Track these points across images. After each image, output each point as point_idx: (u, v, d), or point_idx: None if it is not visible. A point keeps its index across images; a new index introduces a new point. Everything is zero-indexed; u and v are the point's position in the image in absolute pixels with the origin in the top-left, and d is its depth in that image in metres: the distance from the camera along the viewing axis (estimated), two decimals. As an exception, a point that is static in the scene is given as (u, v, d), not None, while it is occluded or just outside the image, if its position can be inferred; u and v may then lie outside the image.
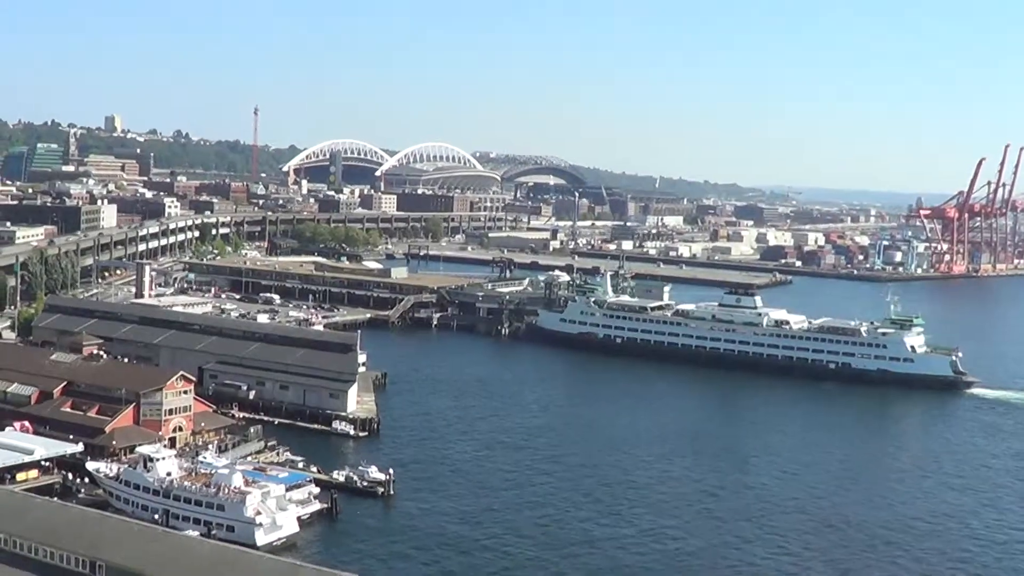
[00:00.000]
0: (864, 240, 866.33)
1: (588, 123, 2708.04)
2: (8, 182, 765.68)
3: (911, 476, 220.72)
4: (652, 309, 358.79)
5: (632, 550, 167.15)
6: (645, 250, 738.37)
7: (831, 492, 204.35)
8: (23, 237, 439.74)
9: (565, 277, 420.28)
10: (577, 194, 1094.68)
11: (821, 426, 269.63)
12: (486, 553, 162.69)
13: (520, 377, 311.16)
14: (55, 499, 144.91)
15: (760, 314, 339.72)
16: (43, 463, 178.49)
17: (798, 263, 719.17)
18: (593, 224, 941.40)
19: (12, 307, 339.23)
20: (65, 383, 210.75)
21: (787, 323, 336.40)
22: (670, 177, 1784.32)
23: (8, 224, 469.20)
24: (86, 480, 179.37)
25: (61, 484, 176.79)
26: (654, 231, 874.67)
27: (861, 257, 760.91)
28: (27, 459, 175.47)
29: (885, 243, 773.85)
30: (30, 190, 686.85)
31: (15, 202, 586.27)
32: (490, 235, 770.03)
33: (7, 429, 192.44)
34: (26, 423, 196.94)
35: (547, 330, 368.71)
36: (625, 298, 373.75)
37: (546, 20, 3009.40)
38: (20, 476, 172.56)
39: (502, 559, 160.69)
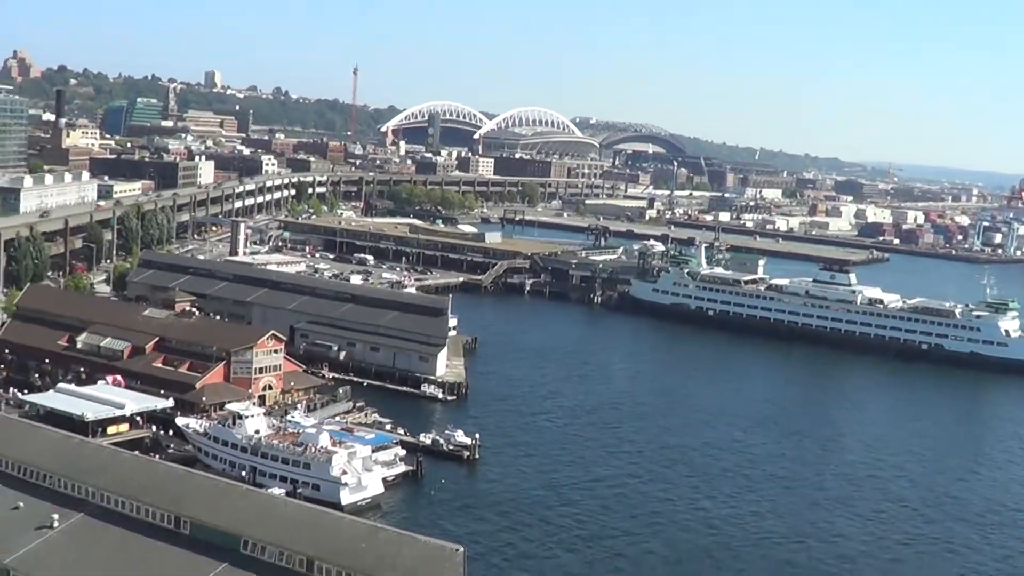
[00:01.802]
0: (964, 220, 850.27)
1: (689, 92, 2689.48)
2: (107, 136, 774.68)
3: (997, 462, 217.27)
4: (746, 282, 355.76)
5: (712, 524, 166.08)
6: (742, 222, 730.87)
7: (915, 473, 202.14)
8: (120, 191, 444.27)
9: (660, 247, 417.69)
10: (676, 163, 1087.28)
11: (910, 407, 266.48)
12: (567, 520, 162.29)
13: (610, 346, 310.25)
14: (143, 454, 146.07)
15: (854, 291, 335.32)
16: (134, 417, 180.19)
17: (896, 241, 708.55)
18: (691, 194, 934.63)
19: (108, 261, 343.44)
20: (157, 339, 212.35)
21: (881, 301, 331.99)
22: (770, 149, 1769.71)
23: (106, 178, 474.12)
24: (175, 435, 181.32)
25: (151, 439, 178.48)
26: (752, 203, 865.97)
27: (960, 237, 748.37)
28: (118, 413, 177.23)
29: (985, 224, 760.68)
30: (129, 144, 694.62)
31: (114, 156, 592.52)
32: (586, 202, 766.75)
33: (99, 383, 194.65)
34: (118, 377, 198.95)
35: (639, 300, 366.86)
36: (719, 270, 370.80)
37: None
38: (111, 430, 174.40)
39: (583, 527, 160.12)
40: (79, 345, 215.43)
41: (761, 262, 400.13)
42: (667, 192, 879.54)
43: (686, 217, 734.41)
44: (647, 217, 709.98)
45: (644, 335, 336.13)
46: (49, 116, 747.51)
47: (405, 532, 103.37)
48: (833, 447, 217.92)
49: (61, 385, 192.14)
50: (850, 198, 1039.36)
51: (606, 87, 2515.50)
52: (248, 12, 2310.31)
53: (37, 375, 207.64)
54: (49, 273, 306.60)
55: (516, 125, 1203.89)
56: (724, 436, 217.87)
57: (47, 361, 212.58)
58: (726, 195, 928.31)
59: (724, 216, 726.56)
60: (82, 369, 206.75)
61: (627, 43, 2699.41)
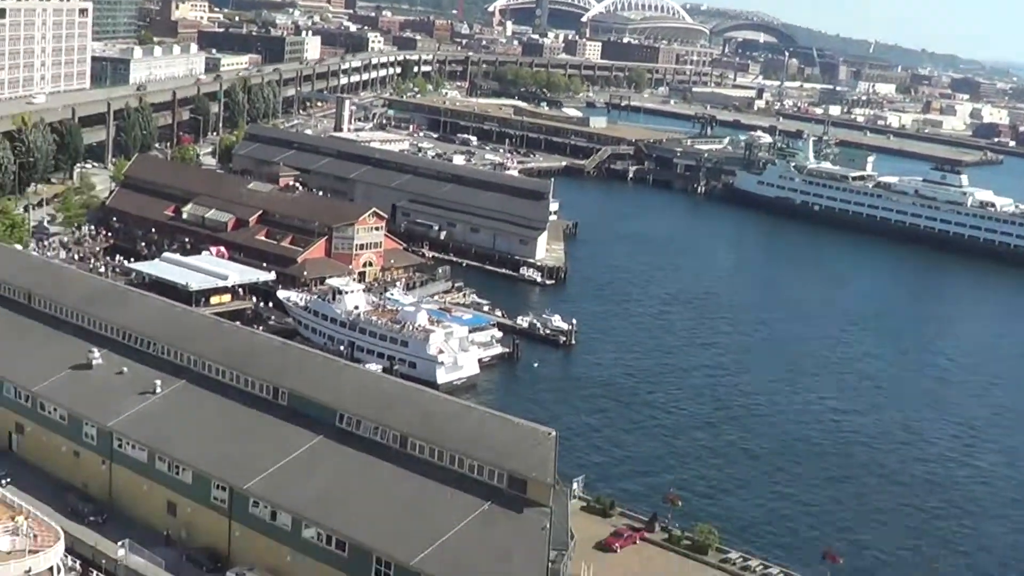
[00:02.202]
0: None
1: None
2: (216, 9, 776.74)
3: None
4: (853, 179, 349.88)
5: (799, 418, 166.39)
6: (852, 117, 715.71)
7: (1010, 382, 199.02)
8: (228, 65, 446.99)
9: (767, 139, 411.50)
10: (787, 54, 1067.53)
11: (1014, 314, 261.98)
12: (659, 408, 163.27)
13: (711, 237, 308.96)
14: (244, 325, 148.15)
15: (965, 193, 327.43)
16: (236, 289, 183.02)
17: (1012, 143, 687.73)
18: (801, 86, 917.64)
19: (214, 134, 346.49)
20: (261, 212, 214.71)
21: (993, 205, 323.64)
22: (885, 43, 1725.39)
23: (214, 51, 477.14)
24: (276, 308, 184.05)
25: (252, 310, 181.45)
26: (864, 98, 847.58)
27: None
28: (221, 284, 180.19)
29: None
30: (237, 18, 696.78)
31: (222, 30, 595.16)
32: (694, 90, 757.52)
33: (204, 253, 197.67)
34: (222, 249, 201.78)
35: (743, 192, 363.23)
36: (827, 165, 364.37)
37: None
38: (214, 300, 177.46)
39: (673, 416, 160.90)
40: (184, 216, 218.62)
41: (870, 159, 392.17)
42: (777, 83, 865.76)
43: (795, 109, 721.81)
44: (755, 108, 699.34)
45: (746, 228, 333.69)
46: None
47: (498, 413, 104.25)
48: (932, 351, 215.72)
49: (166, 254, 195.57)
50: (966, 97, 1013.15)
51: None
52: None
53: (143, 244, 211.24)
54: (157, 144, 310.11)
55: (625, 9, 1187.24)
56: (821, 333, 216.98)
57: (153, 230, 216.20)
58: (837, 88, 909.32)
59: (834, 110, 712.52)
60: (187, 239, 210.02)
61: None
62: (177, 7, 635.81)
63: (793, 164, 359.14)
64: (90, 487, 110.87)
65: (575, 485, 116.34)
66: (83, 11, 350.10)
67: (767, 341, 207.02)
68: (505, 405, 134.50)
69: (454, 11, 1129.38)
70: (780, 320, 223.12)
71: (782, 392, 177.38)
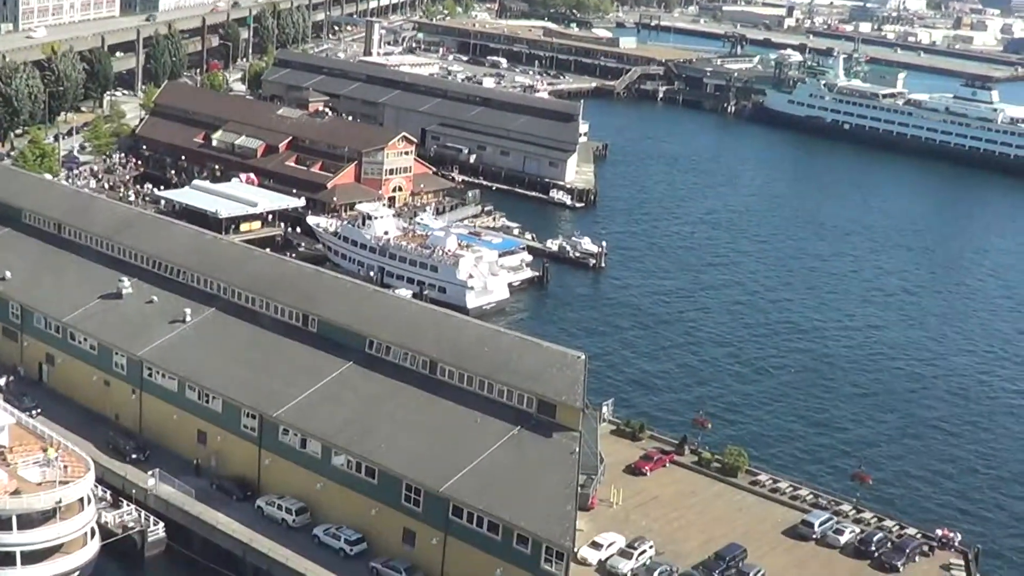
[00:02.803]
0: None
1: None
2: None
3: None
4: (884, 96, 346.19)
5: (824, 335, 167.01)
6: (883, 34, 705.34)
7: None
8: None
9: (797, 57, 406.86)
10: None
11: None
12: (685, 332, 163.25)
13: (741, 157, 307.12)
14: (274, 252, 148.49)
15: (996, 109, 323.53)
16: (266, 215, 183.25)
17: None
18: (831, 3, 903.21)
19: (243, 60, 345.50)
20: (290, 138, 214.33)
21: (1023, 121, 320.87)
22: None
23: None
24: (306, 234, 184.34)
25: (282, 237, 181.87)
26: (894, 15, 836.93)
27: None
28: (251, 211, 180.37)
29: None
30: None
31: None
32: (724, 8, 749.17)
33: (233, 180, 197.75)
34: (251, 175, 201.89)
35: (774, 111, 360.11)
36: (857, 83, 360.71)
37: None
38: (244, 227, 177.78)
39: (701, 339, 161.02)
40: (214, 143, 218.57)
41: (901, 76, 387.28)
42: (806, 0, 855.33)
43: (825, 27, 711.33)
44: (785, 26, 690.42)
45: (777, 147, 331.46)
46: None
47: (528, 337, 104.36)
48: (963, 268, 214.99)
49: (196, 182, 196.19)
50: (997, 12, 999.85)
51: None
52: None
53: (173, 172, 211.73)
54: (186, 71, 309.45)
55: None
56: (850, 251, 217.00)
57: (183, 158, 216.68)
58: (867, 5, 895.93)
59: (865, 27, 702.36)
60: (216, 166, 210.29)
61: None
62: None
63: (823, 82, 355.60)
64: (121, 417, 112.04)
65: (604, 409, 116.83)
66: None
67: (796, 260, 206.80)
68: (534, 329, 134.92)
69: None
70: (809, 239, 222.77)
71: (811, 311, 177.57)
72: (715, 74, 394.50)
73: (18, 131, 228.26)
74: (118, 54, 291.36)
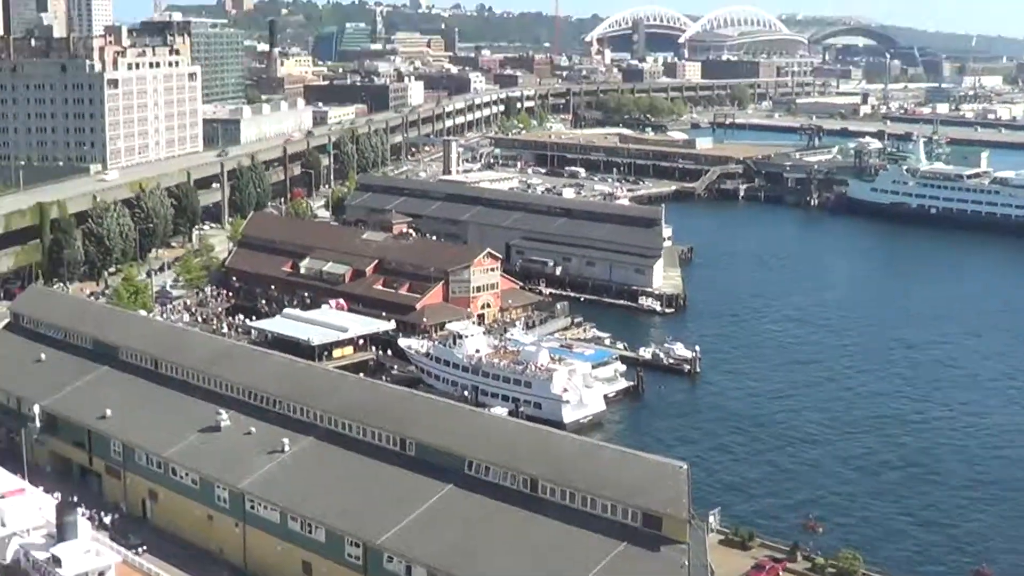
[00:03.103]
0: None
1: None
2: (319, 63, 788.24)
3: None
4: (968, 177, 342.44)
5: (930, 430, 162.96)
6: (961, 113, 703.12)
7: None
8: (335, 117, 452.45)
9: (876, 144, 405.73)
10: (888, 55, 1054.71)
11: None
12: (790, 432, 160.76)
13: (828, 249, 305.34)
14: (367, 377, 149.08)
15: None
16: (357, 340, 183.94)
17: None
18: (905, 87, 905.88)
19: (326, 186, 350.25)
20: (377, 261, 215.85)
21: None
22: (987, 35, 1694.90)
23: (320, 104, 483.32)
24: (397, 356, 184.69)
25: (374, 360, 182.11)
26: (971, 93, 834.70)
27: None
28: (342, 336, 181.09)
29: None
30: (340, 70, 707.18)
31: (326, 82, 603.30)
32: (797, 101, 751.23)
33: (323, 307, 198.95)
34: (341, 301, 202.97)
35: (857, 200, 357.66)
36: (939, 165, 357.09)
37: None
38: (336, 353, 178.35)
39: (805, 438, 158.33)
40: (302, 270, 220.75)
41: (984, 154, 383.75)
42: (880, 86, 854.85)
43: (902, 111, 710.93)
44: (861, 113, 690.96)
45: (863, 236, 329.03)
46: (263, 47, 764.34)
47: (628, 449, 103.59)
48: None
49: (287, 310, 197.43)
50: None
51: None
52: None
53: (263, 301, 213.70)
54: (271, 200, 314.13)
55: (721, 27, 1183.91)
56: (949, 338, 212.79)
57: (272, 287, 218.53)
58: (943, 86, 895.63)
59: (942, 108, 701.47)
60: (306, 294, 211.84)
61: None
62: (282, 64, 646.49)
63: (905, 167, 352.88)
64: (225, 551, 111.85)
65: (711, 518, 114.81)
66: (192, 75, 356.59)
67: (890, 351, 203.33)
68: (633, 440, 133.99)
69: (546, 44, 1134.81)
70: (902, 328, 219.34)
71: (910, 402, 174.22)
72: (795, 168, 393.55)
73: (111, 269, 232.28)
74: (214, 185, 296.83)
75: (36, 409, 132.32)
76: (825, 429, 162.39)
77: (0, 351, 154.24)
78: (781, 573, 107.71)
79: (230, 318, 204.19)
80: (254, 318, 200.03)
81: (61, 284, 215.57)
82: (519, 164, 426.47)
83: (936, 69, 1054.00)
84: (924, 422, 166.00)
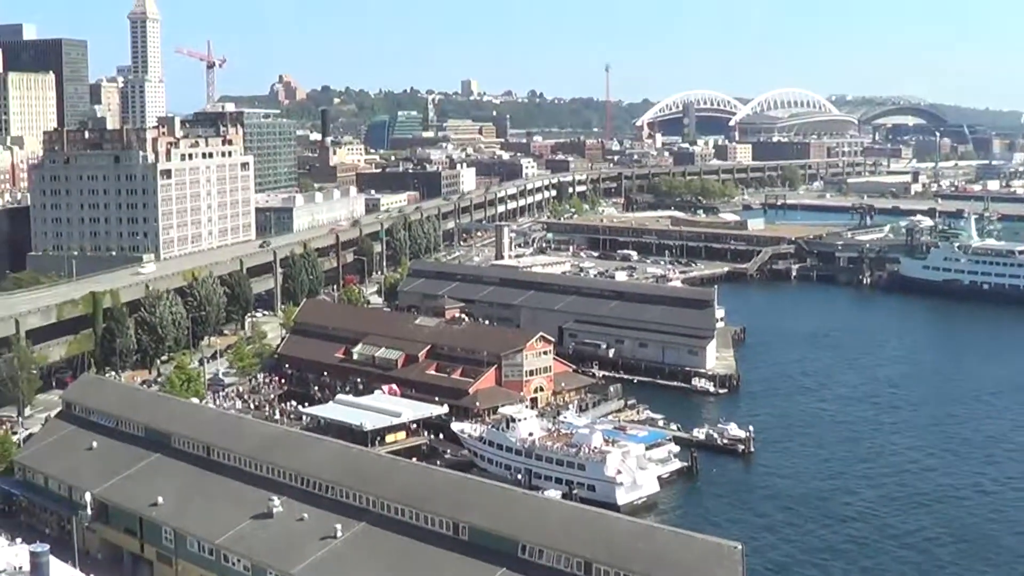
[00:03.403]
0: None
1: (946, 58, 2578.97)
2: (371, 151, 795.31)
3: None
4: (1020, 252, 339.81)
5: (997, 511, 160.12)
6: (1012, 190, 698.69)
7: None
8: (387, 204, 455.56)
9: (928, 222, 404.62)
10: (938, 134, 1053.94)
11: None
12: (847, 513, 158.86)
13: (881, 328, 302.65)
14: (421, 461, 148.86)
15: None
16: (410, 425, 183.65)
17: None
18: (956, 165, 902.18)
19: (379, 273, 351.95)
20: (429, 346, 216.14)
21: None
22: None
23: (372, 192, 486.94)
24: (451, 441, 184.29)
25: (427, 445, 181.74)
26: (1021, 169, 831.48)
27: None
28: (395, 422, 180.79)
29: None
30: (392, 157, 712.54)
31: (378, 170, 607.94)
32: (848, 181, 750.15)
33: (376, 392, 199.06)
34: (394, 386, 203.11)
35: (910, 278, 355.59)
36: (992, 242, 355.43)
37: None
38: (389, 438, 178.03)
39: (863, 520, 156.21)
40: (355, 356, 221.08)
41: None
42: (931, 164, 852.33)
43: (952, 189, 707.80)
44: (912, 192, 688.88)
45: (916, 315, 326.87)
46: (316, 135, 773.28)
47: (682, 531, 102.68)
48: None
49: (340, 396, 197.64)
50: None
51: (860, 61, 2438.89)
52: (501, 19, 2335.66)
53: (316, 388, 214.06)
54: (323, 287, 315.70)
55: (771, 108, 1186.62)
56: (1001, 415, 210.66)
57: (325, 373, 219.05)
58: (993, 163, 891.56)
59: (993, 184, 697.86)
60: (359, 380, 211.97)
61: (873, 13, 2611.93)
62: (334, 152, 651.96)
63: (957, 244, 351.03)
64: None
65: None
66: (245, 165, 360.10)
67: (946, 428, 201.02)
68: (688, 521, 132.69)
69: (602, 129, 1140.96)
70: (959, 405, 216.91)
71: (967, 479, 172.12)
72: (847, 247, 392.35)
73: (163, 358, 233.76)
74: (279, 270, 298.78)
75: (88, 497, 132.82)
76: (878, 507, 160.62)
77: (52, 439, 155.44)
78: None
79: (282, 404, 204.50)
80: (306, 404, 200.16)
81: (113, 373, 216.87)
82: (571, 248, 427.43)
83: (986, 146, 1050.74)
84: (977, 498, 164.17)
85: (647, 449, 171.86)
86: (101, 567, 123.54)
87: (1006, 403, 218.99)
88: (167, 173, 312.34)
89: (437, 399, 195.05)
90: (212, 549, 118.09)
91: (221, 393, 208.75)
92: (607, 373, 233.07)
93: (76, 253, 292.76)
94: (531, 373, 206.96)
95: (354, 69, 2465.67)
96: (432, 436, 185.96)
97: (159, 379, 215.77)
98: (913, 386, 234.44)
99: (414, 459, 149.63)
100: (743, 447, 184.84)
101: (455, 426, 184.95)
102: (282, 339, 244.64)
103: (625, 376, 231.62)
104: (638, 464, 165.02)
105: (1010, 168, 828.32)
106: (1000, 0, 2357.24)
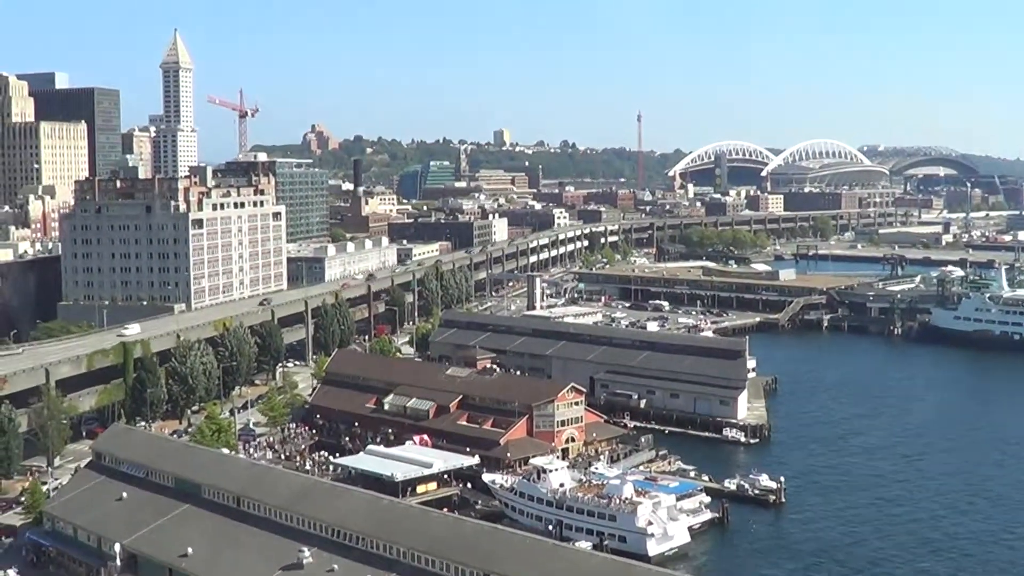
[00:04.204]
0: None
1: (977, 108, 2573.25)
2: (404, 201, 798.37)
3: None
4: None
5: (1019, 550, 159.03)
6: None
7: None
8: (419, 254, 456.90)
9: (958, 272, 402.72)
10: (969, 184, 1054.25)
11: None
12: (881, 565, 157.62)
13: (912, 379, 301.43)
14: (451, 512, 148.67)
15: None
16: (442, 476, 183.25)
17: None
18: (987, 215, 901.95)
19: (410, 323, 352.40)
20: (461, 397, 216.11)
21: None
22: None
23: (404, 242, 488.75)
24: (482, 491, 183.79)
25: (458, 496, 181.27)
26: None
27: None
28: (426, 472, 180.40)
29: None
30: (424, 207, 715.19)
31: (411, 220, 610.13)
32: (880, 231, 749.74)
33: (407, 443, 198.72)
34: (425, 437, 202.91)
35: (941, 328, 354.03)
36: (1022, 292, 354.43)
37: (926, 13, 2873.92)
38: (420, 489, 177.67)
39: (899, 571, 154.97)
40: (386, 407, 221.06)
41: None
42: (962, 215, 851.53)
43: (984, 239, 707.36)
44: (943, 242, 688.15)
45: (947, 365, 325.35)
46: (348, 185, 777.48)
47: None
48: None
49: (371, 447, 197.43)
50: None
51: (891, 112, 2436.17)
52: (534, 70, 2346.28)
53: (347, 438, 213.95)
54: (355, 337, 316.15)
55: (803, 159, 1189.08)
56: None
57: (356, 424, 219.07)
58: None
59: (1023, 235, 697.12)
60: (390, 430, 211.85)
61: (905, 67, 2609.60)
62: (367, 202, 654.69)
63: (988, 295, 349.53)
64: None
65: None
66: (276, 215, 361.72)
67: (978, 478, 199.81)
68: (719, 572, 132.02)
69: (634, 179, 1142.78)
70: (995, 458, 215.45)
71: (1002, 530, 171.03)
72: (878, 297, 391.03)
73: (194, 408, 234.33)
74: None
75: (117, 548, 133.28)
76: (909, 555, 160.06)
77: (82, 489, 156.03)
78: None
79: (313, 455, 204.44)
80: (337, 455, 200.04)
81: (143, 423, 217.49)
82: (603, 298, 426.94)
83: (1017, 196, 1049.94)
84: (1008, 545, 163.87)
85: (678, 500, 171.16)
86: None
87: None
88: (199, 223, 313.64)
89: (468, 450, 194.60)
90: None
91: (252, 443, 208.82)
92: (638, 423, 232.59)
93: (107, 303, 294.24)
94: (562, 424, 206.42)
95: (387, 119, 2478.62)
96: (463, 487, 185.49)
97: (189, 429, 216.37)
98: (943, 436, 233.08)
99: (445, 510, 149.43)
100: (774, 497, 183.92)
101: (486, 477, 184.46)
102: (313, 389, 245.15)
103: (656, 426, 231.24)
104: (669, 515, 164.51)
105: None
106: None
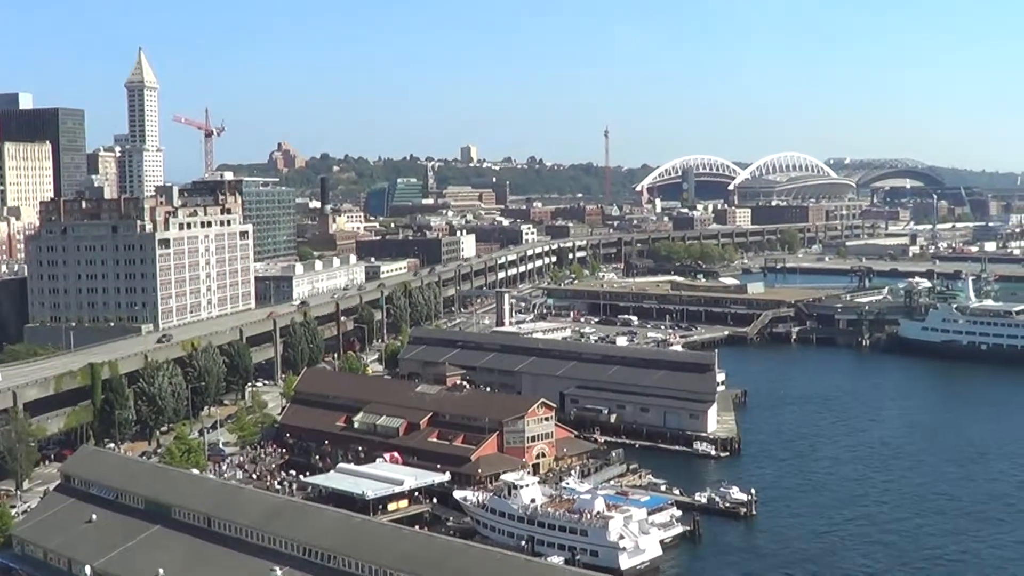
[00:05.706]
0: None
1: (943, 120, 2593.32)
2: (371, 218, 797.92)
3: None
4: (1018, 313, 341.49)
5: (999, 565, 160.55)
6: (1009, 251, 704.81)
7: None
8: (387, 271, 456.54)
9: (926, 284, 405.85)
10: (935, 196, 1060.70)
11: None
12: (844, 568, 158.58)
13: (881, 390, 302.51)
14: (423, 529, 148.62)
15: None
16: (412, 493, 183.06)
17: None
18: (953, 226, 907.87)
19: (379, 340, 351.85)
20: (431, 414, 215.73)
21: None
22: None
23: (372, 259, 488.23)
24: (453, 508, 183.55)
25: (430, 513, 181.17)
26: (1017, 230, 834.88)
27: None
28: (397, 490, 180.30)
29: None
30: (392, 224, 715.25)
31: (378, 237, 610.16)
32: (847, 244, 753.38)
33: (378, 461, 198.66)
34: (395, 454, 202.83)
35: (908, 339, 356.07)
36: (989, 303, 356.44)
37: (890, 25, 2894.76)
38: (391, 506, 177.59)
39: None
40: (356, 425, 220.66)
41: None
42: (928, 226, 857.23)
43: (950, 250, 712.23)
44: (910, 254, 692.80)
45: (916, 376, 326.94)
46: (315, 203, 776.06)
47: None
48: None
49: (341, 465, 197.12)
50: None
51: (857, 125, 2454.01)
52: (501, 86, 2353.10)
53: (317, 456, 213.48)
54: (324, 356, 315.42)
55: (770, 172, 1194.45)
56: (999, 476, 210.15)
57: (326, 442, 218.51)
58: (990, 224, 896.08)
59: (989, 246, 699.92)
60: (360, 448, 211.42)
61: (871, 79, 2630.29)
62: (334, 220, 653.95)
63: (955, 306, 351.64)
64: None
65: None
66: (244, 234, 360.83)
67: (945, 488, 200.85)
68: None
69: (601, 194, 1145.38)
70: (957, 466, 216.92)
71: (970, 541, 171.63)
72: (846, 309, 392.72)
73: (163, 428, 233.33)
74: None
75: (87, 571, 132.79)
76: (879, 565, 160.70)
77: (51, 512, 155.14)
78: None
79: (283, 474, 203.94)
80: (308, 473, 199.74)
81: (112, 444, 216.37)
82: (572, 314, 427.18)
83: (983, 208, 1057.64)
84: (976, 556, 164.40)
85: (649, 514, 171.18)
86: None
87: (1002, 464, 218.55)
88: (165, 242, 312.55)
89: (439, 466, 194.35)
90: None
91: (222, 463, 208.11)
92: (609, 438, 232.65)
93: (74, 324, 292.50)
94: (533, 439, 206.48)
95: (353, 136, 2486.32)
96: (434, 504, 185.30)
97: (159, 450, 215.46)
98: (912, 447, 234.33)
99: (416, 527, 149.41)
100: (745, 510, 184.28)
101: (457, 493, 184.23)
102: (283, 408, 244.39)
103: (627, 441, 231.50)
104: (640, 529, 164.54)
105: (1007, 229, 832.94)
106: (996, 63, 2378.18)
